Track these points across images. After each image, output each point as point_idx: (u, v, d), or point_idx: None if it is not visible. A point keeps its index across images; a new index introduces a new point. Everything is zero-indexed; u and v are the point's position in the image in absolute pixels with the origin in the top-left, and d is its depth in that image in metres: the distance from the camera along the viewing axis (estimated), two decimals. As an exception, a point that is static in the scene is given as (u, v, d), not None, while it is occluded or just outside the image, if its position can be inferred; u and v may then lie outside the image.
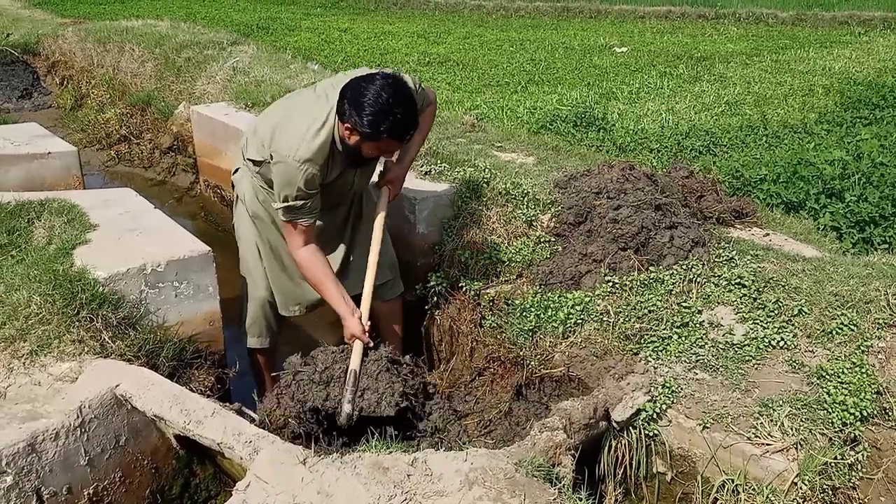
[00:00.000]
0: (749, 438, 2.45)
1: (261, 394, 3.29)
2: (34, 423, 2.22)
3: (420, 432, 2.81)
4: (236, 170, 3.17)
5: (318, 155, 2.68)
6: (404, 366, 2.84)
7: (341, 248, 3.19)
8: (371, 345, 2.78)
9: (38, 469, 2.19)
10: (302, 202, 2.72)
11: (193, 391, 2.52)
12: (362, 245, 3.11)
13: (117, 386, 2.42)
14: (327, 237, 3.10)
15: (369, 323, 2.81)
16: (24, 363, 2.47)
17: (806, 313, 2.84)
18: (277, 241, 3.10)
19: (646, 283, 3.09)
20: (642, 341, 2.89)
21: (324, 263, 2.86)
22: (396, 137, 2.62)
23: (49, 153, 4.40)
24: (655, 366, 2.77)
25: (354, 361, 2.72)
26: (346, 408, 2.64)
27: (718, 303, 2.98)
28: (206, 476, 2.64)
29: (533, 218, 3.49)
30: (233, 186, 3.21)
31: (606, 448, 2.68)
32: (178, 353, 2.80)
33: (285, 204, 2.72)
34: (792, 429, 2.43)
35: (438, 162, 4.10)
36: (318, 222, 2.95)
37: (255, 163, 2.95)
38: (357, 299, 2.91)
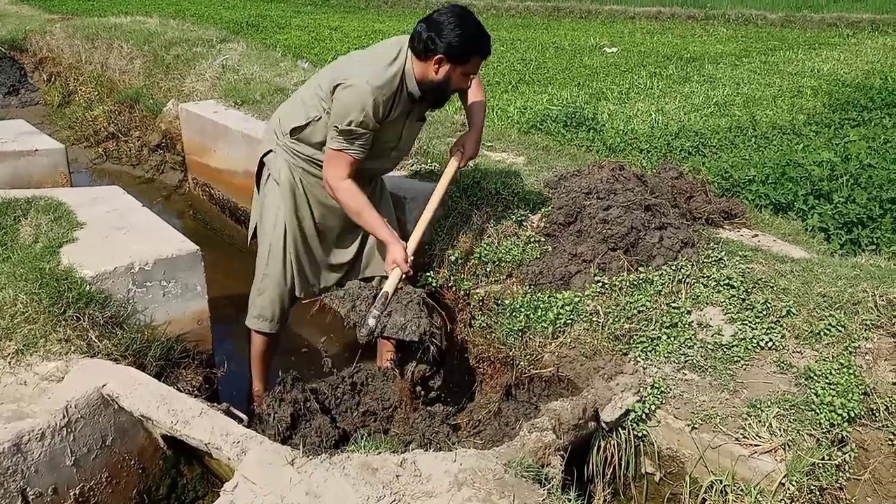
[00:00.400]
0: (737, 439, 2.45)
1: (254, 380, 3.29)
2: (19, 423, 2.20)
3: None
4: (266, 153, 3.13)
5: (388, 86, 2.74)
6: (435, 315, 2.86)
7: (356, 240, 3.23)
8: (410, 274, 2.84)
9: (23, 469, 2.17)
10: (362, 130, 2.75)
11: (181, 391, 2.50)
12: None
13: (104, 385, 2.40)
14: (343, 225, 3.15)
15: (412, 258, 2.87)
16: (9, 362, 2.45)
17: (794, 314, 2.85)
18: (309, 220, 3.11)
19: (635, 283, 3.09)
20: (631, 342, 2.90)
21: (363, 194, 2.88)
22: (485, 52, 2.77)
23: (36, 150, 4.37)
24: (644, 366, 2.78)
25: (390, 285, 2.79)
26: (371, 322, 2.71)
27: (707, 303, 2.99)
28: (193, 476, 2.63)
29: (523, 218, 3.49)
30: (258, 172, 3.18)
31: (595, 448, 2.68)
32: (166, 352, 2.78)
33: (346, 127, 2.74)
34: (780, 429, 2.44)
35: (429, 161, 4.09)
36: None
37: (298, 129, 2.95)
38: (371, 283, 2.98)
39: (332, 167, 2.86)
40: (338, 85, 2.76)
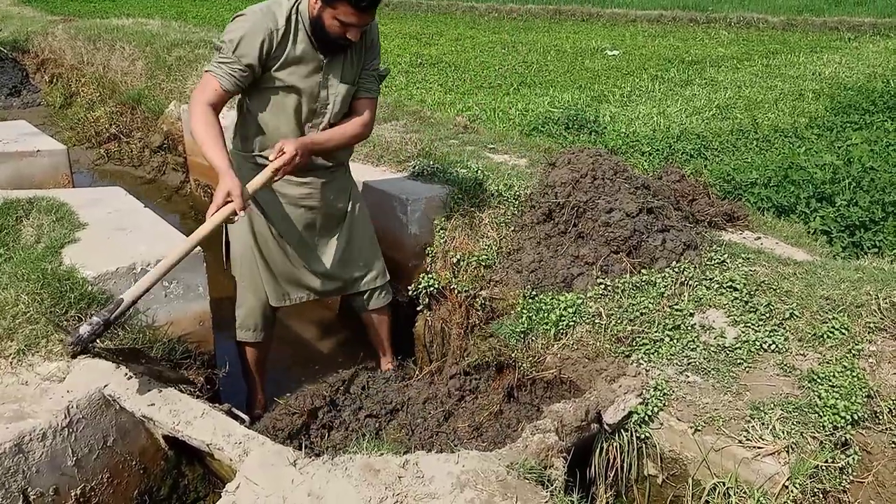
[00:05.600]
0: (740, 441, 2.44)
1: (251, 390, 3.28)
2: (21, 423, 2.20)
3: None
4: None
5: (269, 13, 2.60)
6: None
7: (329, 250, 3.12)
8: (242, 214, 2.52)
9: (24, 469, 2.16)
10: (231, 56, 2.60)
11: (183, 391, 2.49)
12: (354, 245, 3.15)
13: (105, 386, 2.40)
14: (305, 232, 3.05)
15: (248, 193, 2.57)
16: (11, 362, 2.45)
17: (797, 317, 2.84)
18: (272, 230, 3.01)
19: (638, 285, 3.09)
20: (634, 344, 2.89)
21: (215, 125, 2.61)
22: (355, 3, 2.48)
23: (38, 151, 4.37)
24: (647, 368, 2.77)
25: (209, 224, 2.50)
26: (83, 329, 2.35)
27: (710, 306, 2.99)
28: (195, 477, 2.62)
29: (525, 220, 3.48)
30: None
31: (598, 450, 2.68)
32: (168, 353, 2.78)
33: (219, 43, 2.63)
34: (783, 432, 2.43)
35: (431, 163, 4.09)
36: (296, 212, 2.95)
37: (236, 126, 2.91)
38: (346, 302, 2.91)
39: (197, 89, 2.68)
40: None
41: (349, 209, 3.14)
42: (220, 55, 2.63)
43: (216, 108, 2.65)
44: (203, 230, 2.50)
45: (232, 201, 2.47)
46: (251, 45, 2.59)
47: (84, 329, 2.35)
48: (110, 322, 2.38)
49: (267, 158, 2.73)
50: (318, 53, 2.71)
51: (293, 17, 2.64)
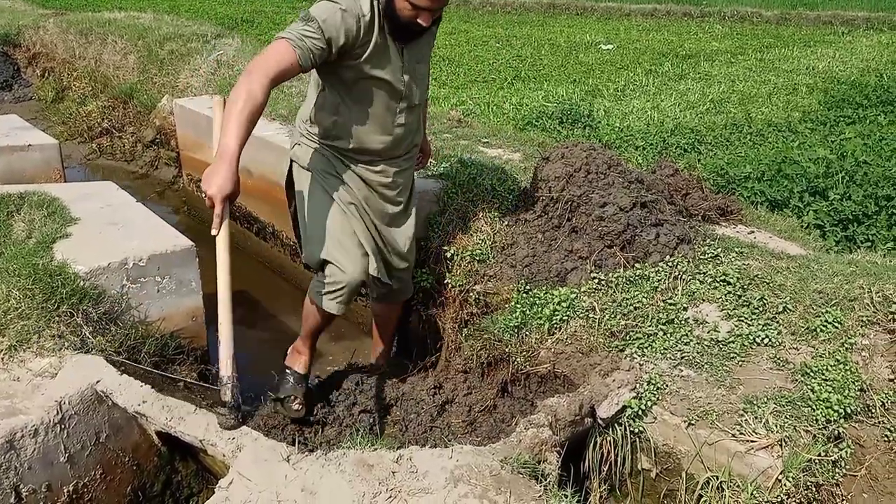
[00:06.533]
0: (734, 435, 2.45)
1: (299, 353, 3.03)
2: (13, 420, 2.19)
3: None
4: (292, 152, 2.90)
5: (355, 6, 2.44)
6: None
7: (408, 221, 3.03)
8: (214, 233, 2.26)
9: (16, 466, 2.16)
10: (316, 29, 2.36)
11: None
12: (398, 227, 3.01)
13: (98, 382, 2.39)
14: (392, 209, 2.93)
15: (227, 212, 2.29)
16: (2, 358, 2.44)
17: (790, 311, 2.85)
18: (359, 200, 2.82)
19: (631, 280, 3.09)
20: (628, 338, 2.89)
21: (260, 104, 2.30)
22: None
23: (29, 146, 4.35)
24: (641, 362, 2.77)
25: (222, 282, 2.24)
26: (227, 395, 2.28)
27: (703, 300, 2.99)
28: (188, 473, 2.62)
29: (519, 215, 3.47)
30: (290, 172, 2.92)
31: (592, 445, 2.68)
32: (161, 348, 2.77)
33: (304, 17, 2.41)
34: (776, 426, 2.44)
35: (434, 164, 4.08)
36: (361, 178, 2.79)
37: (312, 108, 2.75)
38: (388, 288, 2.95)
39: (266, 55, 2.38)
40: None
41: (413, 194, 3.07)
42: (307, 27, 2.37)
43: (276, 82, 2.36)
44: (223, 263, 2.27)
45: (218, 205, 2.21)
46: (343, 28, 2.42)
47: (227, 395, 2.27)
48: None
49: (346, 150, 2.73)
50: (396, 42, 2.59)
51: (375, 6, 2.51)
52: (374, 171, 2.85)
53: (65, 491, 2.29)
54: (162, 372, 2.57)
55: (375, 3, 2.50)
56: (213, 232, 2.26)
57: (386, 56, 2.61)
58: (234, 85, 2.34)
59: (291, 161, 2.91)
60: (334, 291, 2.77)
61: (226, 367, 2.27)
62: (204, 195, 2.24)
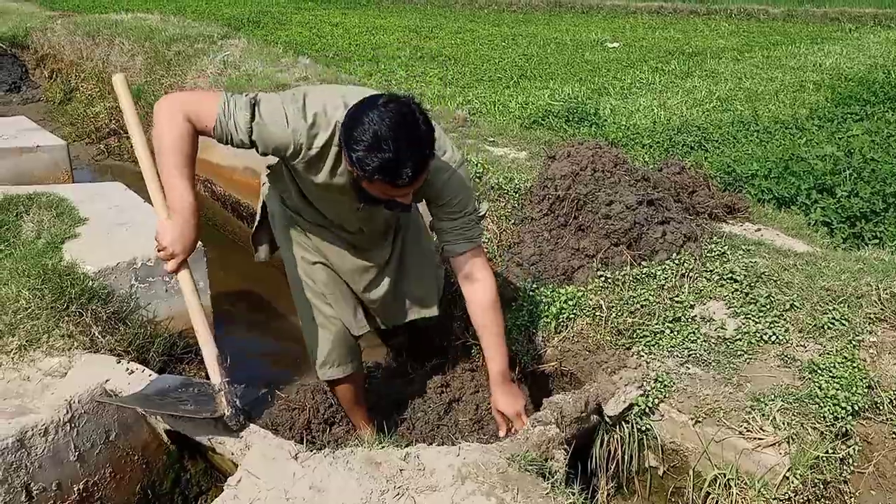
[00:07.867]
0: (741, 433, 2.45)
1: (366, 421, 2.83)
2: (23, 419, 2.21)
3: None
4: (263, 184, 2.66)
5: (314, 127, 2.10)
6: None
7: (385, 282, 2.65)
8: (168, 269, 2.18)
9: (27, 464, 2.17)
10: (247, 123, 2.09)
11: (184, 386, 2.49)
12: (409, 275, 2.73)
13: (107, 381, 2.40)
14: (368, 267, 2.60)
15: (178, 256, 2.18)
16: (12, 358, 2.45)
17: (798, 308, 2.84)
18: (329, 248, 2.55)
19: (638, 277, 3.09)
20: (634, 336, 2.89)
21: (192, 145, 2.16)
22: (389, 178, 1.95)
23: (38, 147, 4.38)
24: (648, 360, 2.77)
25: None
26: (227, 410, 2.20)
27: (710, 297, 2.99)
28: (197, 471, 2.63)
29: (525, 213, 3.48)
30: (262, 213, 2.70)
31: (599, 442, 2.68)
32: (169, 348, 2.79)
33: (250, 99, 2.12)
34: (784, 423, 2.44)
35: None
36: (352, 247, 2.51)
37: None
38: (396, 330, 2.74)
39: (194, 98, 2.21)
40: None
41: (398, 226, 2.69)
42: (243, 114, 2.10)
43: (192, 136, 2.16)
44: (190, 301, 2.23)
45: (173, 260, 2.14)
46: (279, 147, 2.14)
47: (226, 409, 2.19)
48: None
49: (301, 215, 2.47)
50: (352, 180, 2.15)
51: (336, 142, 2.12)
52: (340, 235, 2.54)
53: (75, 489, 2.30)
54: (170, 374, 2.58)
55: (339, 138, 2.06)
56: (169, 268, 2.16)
57: (333, 185, 2.24)
58: (228, 88, 2.28)
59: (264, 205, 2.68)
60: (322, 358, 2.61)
61: (214, 372, 2.20)
62: (158, 249, 2.16)
